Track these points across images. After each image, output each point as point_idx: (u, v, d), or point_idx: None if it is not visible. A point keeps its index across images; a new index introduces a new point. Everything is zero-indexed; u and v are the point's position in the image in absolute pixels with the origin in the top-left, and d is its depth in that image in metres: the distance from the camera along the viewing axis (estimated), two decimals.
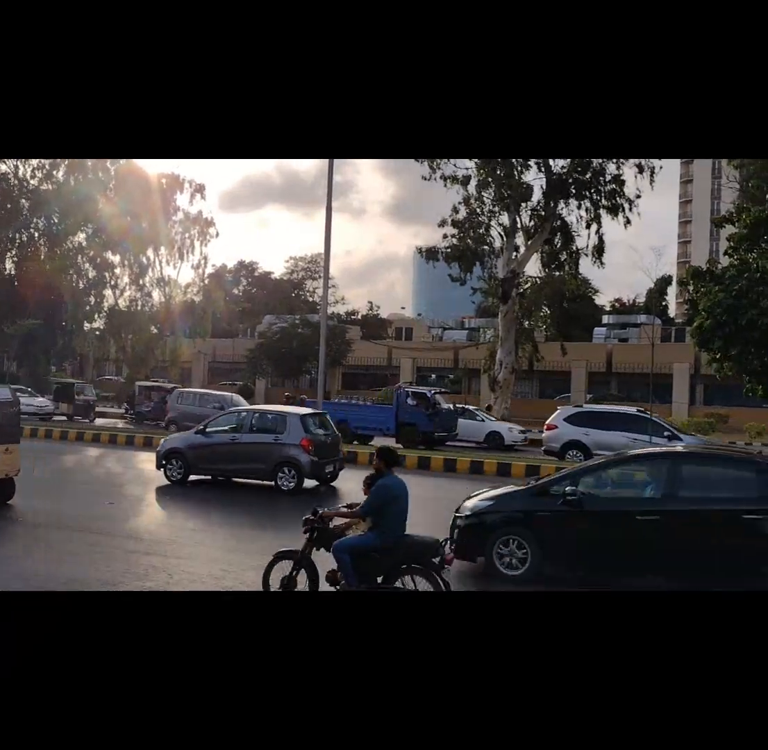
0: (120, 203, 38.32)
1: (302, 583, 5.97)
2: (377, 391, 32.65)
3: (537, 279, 33.20)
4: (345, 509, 6.34)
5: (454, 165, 29.21)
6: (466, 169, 29.16)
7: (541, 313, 41.63)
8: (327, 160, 20.34)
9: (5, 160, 39.26)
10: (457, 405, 23.27)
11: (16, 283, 39.25)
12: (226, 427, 13.24)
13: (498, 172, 28.24)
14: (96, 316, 40.55)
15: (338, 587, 5.77)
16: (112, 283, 39.56)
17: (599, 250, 30.13)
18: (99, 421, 27.34)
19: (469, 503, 7.98)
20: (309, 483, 12.92)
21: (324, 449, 12.98)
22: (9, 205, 39.00)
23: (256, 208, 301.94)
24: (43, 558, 7.86)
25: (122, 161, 38.92)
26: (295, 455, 12.45)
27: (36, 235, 41.25)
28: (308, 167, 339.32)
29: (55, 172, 40.38)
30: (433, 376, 48.06)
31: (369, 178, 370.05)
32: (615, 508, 7.48)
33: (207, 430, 13.25)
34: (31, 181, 40.20)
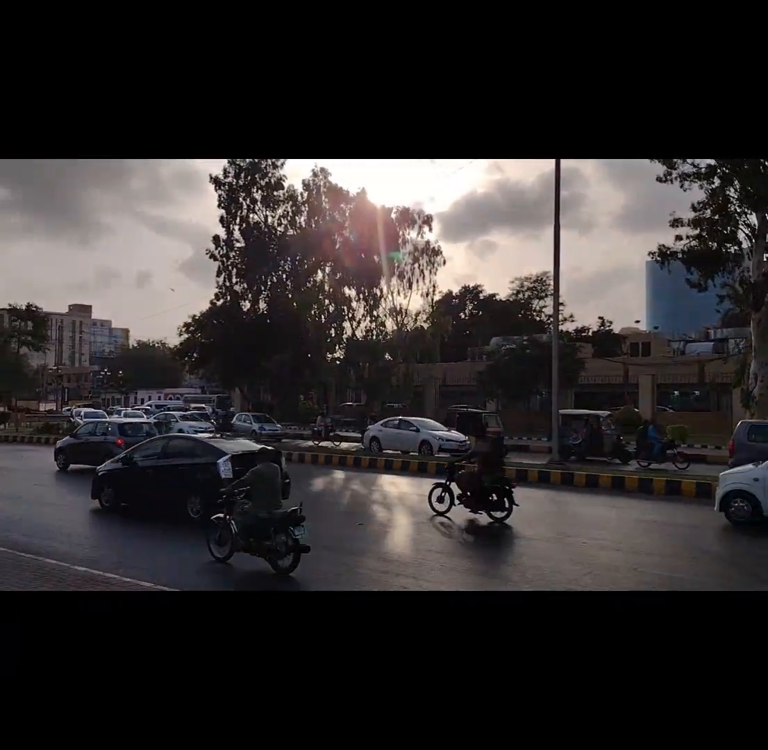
0: (354, 240, 41.03)
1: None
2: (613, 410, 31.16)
3: None
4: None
5: (692, 164, 27.05)
6: (707, 166, 26.84)
7: None
8: (553, 177, 20.04)
9: (255, 211, 44.18)
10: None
11: (268, 321, 43.59)
12: None
13: (745, 167, 25.68)
14: (336, 347, 43.54)
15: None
16: (350, 315, 42.21)
17: None
18: (344, 445, 29.02)
19: None
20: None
21: None
22: (261, 252, 43.53)
23: (481, 234, 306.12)
24: (304, 578, 8.51)
25: (354, 200, 41.75)
26: None
27: (283, 276, 45.57)
28: (532, 184, 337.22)
29: (298, 218, 44.44)
30: (676, 393, 44.73)
31: (597, 189, 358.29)
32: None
33: None
34: (278, 228, 44.60)
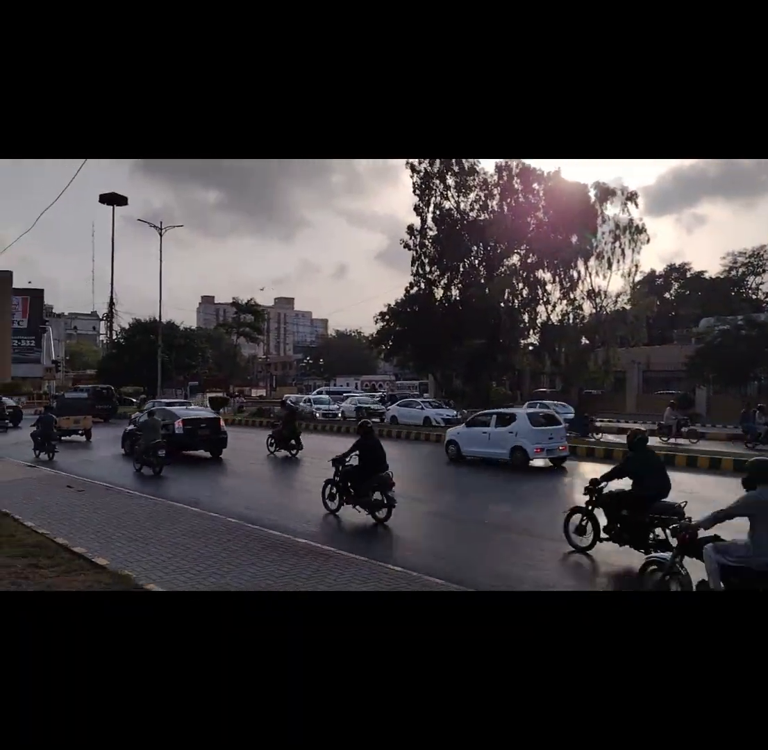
0: (549, 221, 39.77)
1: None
2: None
3: None
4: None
5: None
6: None
7: None
8: None
9: (448, 197, 44.36)
10: None
11: (460, 307, 43.69)
12: None
13: None
14: (530, 331, 42.61)
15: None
16: (544, 298, 41.05)
17: None
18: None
19: None
20: None
21: None
22: (453, 238, 43.65)
23: (689, 206, 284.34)
24: (510, 560, 8.39)
25: (550, 178, 40.46)
26: None
27: (476, 262, 45.38)
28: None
29: (490, 202, 43.97)
30: None
31: None
32: None
33: None
34: (470, 214, 44.43)
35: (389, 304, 47.12)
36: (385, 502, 10.48)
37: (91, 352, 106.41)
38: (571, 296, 40.74)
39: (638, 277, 42.65)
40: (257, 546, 8.23)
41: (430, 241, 44.77)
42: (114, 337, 59.83)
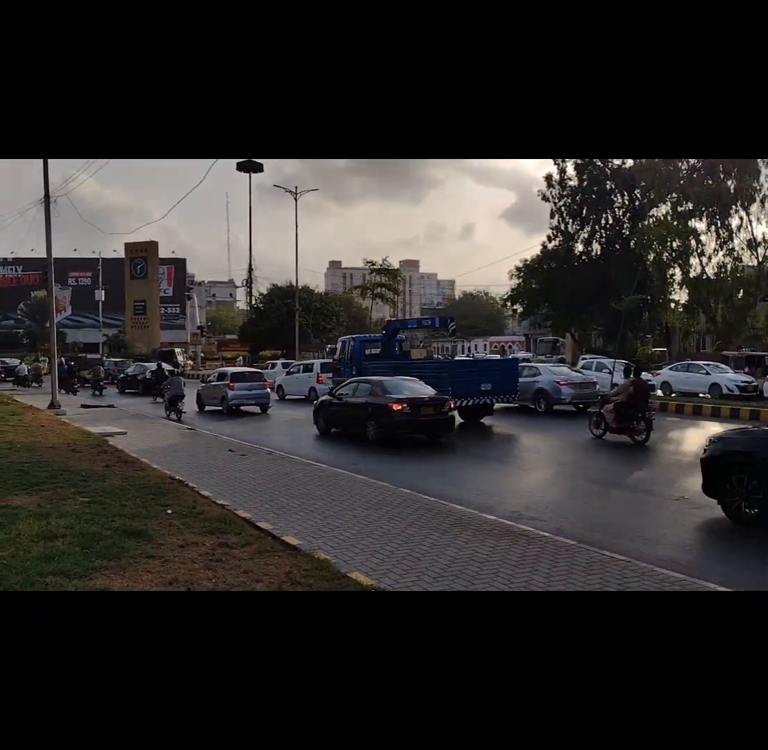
0: (705, 167, 36.40)
1: None
2: None
3: None
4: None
5: None
6: None
7: None
8: None
9: None
10: None
11: (602, 262, 41.15)
12: None
13: None
14: (682, 287, 39.54)
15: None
16: (699, 250, 37.85)
17: None
18: None
19: None
20: None
21: None
22: (596, 189, 41.00)
23: None
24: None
25: None
26: None
27: (620, 213, 42.48)
28: None
29: None
30: None
31: None
32: None
33: None
34: (614, 161, 41.43)
35: (526, 260, 45.26)
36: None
37: (229, 318, 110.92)
38: (729, 247, 37.39)
39: None
40: (444, 523, 7.61)
41: (570, 191, 42.29)
42: (253, 302, 61.59)
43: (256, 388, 22.82)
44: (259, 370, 28.12)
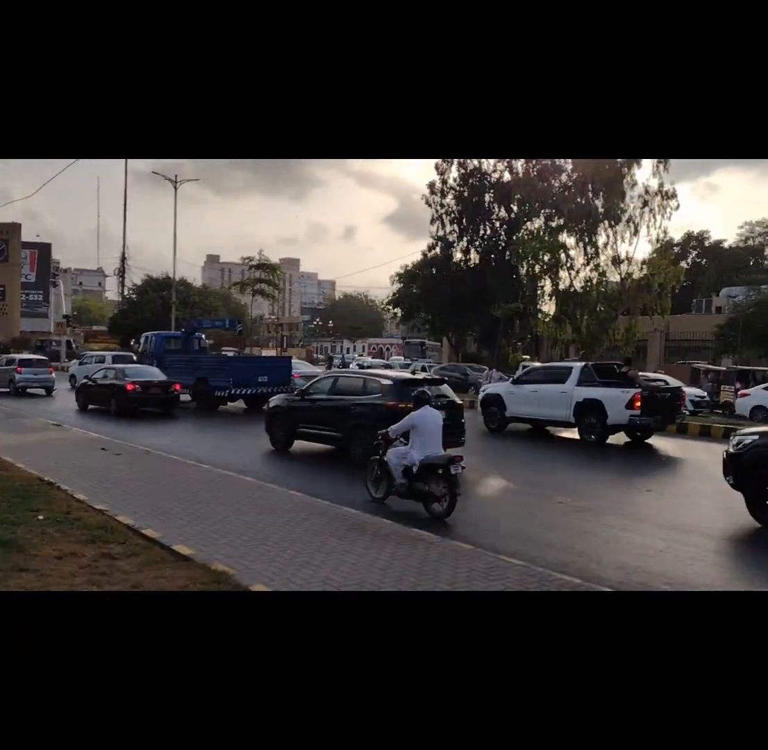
0: (575, 184, 38.43)
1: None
2: None
3: None
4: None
5: None
6: None
7: None
8: None
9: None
10: None
11: (480, 271, 42.55)
12: None
13: None
14: (551, 298, 41.53)
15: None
16: (568, 264, 39.90)
17: None
18: None
19: None
20: None
21: None
22: (476, 198, 42.32)
23: (703, 174, 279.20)
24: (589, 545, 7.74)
25: None
26: None
27: (498, 225, 44.09)
28: None
29: (515, 163, 42.48)
30: None
31: None
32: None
33: None
34: (494, 175, 43.00)
35: (407, 266, 46.09)
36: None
37: (98, 308, 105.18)
38: (595, 262, 39.65)
39: (658, 246, 41.44)
40: (341, 528, 7.47)
41: (452, 199, 43.40)
42: (126, 293, 58.61)
43: (42, 372, 27.36)
44: (45, 358, 32.29)
